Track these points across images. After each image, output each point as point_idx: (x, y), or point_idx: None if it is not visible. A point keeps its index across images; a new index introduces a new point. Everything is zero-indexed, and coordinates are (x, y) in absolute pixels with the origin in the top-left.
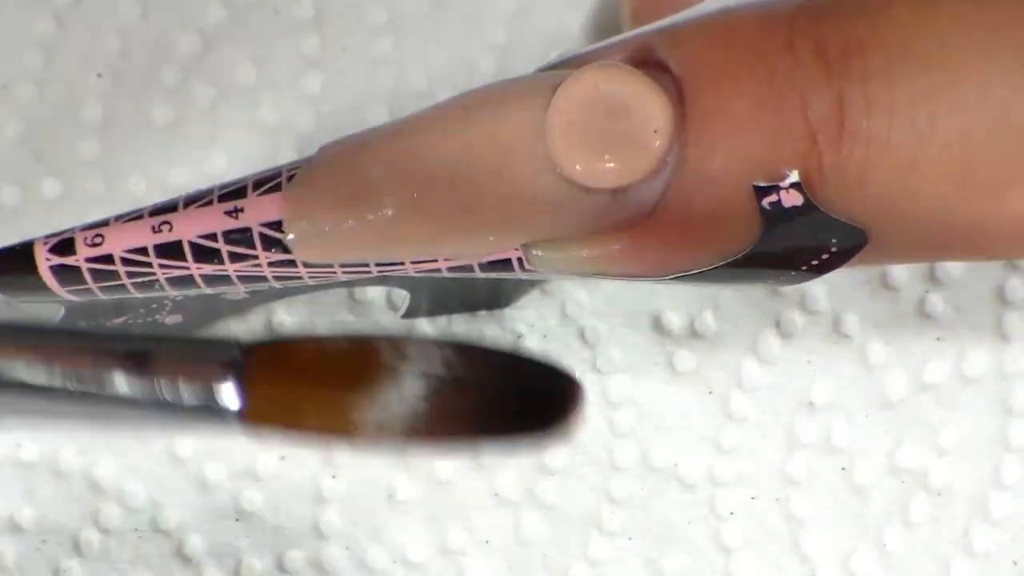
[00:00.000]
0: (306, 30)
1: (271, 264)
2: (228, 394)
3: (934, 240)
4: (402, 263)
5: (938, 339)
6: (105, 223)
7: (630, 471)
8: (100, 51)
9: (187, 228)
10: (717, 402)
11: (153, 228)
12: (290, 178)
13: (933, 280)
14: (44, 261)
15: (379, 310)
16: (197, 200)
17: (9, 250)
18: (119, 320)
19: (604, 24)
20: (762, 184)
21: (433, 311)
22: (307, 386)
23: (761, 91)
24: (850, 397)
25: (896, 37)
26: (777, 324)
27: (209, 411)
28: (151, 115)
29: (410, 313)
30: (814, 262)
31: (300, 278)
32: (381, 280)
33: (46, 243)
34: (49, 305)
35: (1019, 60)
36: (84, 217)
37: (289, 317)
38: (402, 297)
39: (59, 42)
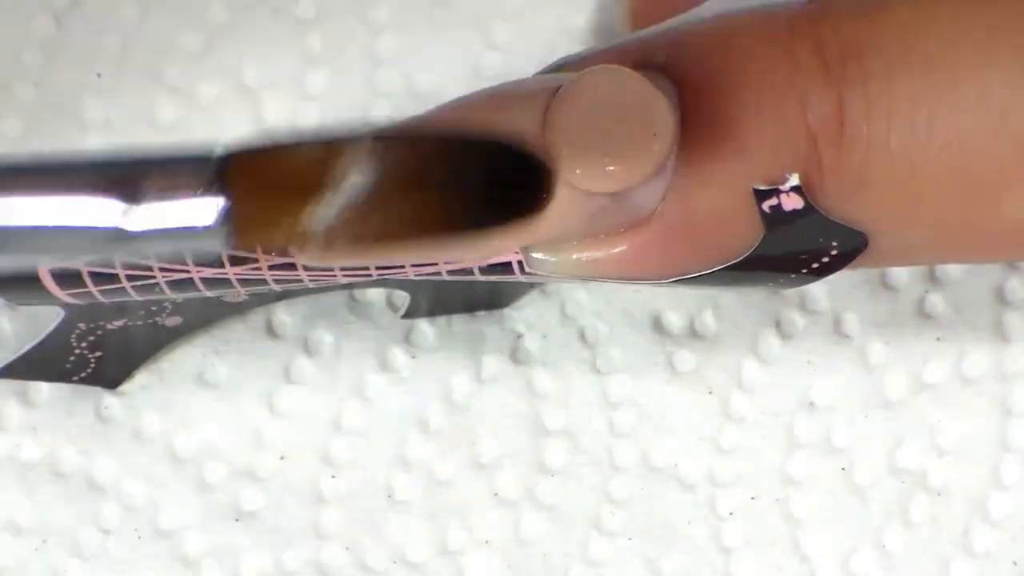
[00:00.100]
0: (307, 29)
1: (271, 267)
2: (212, 209)
3: (934, 242)
4: (402, 266)
5: (938, 339)
6: None
7: (630, 471)
8: (100, 51)
9: None
10: (717, 402)
11: None
12: None
13: (933, 280)
14: None
15: (379, 311)
16: None
17: None
18: (119, 322)
19: (605, 26)
20: (762, 187)
21: (433, 311)
22: (288, 193)
23: (761, 94)
24: (850, 397)
25: (895, 39)
26: (777, 324)
27: (194, 230)
28: (151, 115)
29: (410, 313)
30: (814, 265)
31: (300, 281)
32: (381, 282)
33: None
34: (48, 307)
35: (1019, 61)
36: None
37: (289, 318)
38: (402, 298)
39: (59, 42)
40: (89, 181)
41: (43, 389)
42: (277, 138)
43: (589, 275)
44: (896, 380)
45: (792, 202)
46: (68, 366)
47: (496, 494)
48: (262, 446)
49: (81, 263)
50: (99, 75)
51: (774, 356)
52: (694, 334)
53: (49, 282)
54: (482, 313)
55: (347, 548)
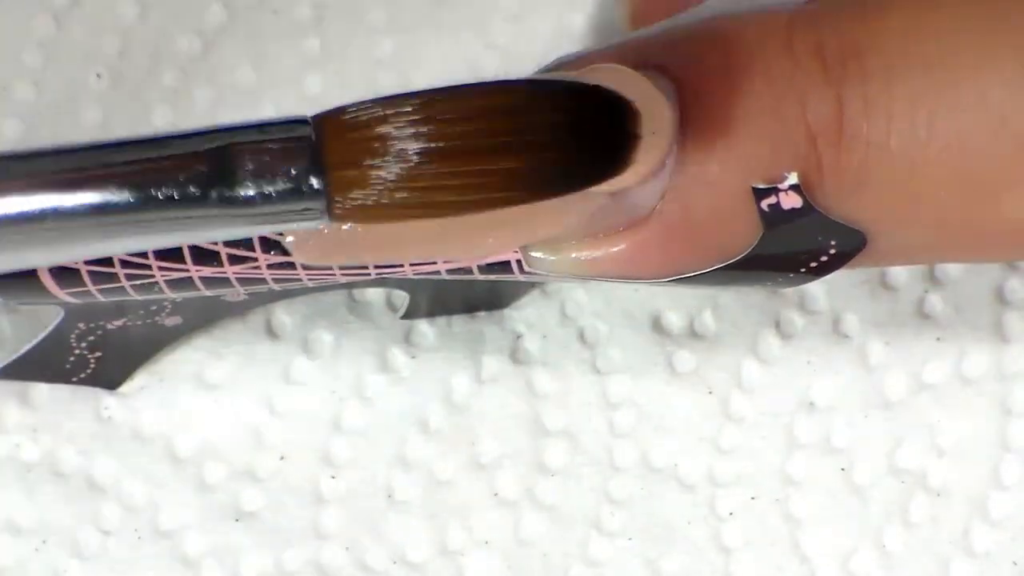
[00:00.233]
0: (306, 31)
1: (270, 266)
2: (310, 172)
3: (933, 242)
4: (401, 265)
5: (938, 339)
6: None
7: (630, 471)
8: (99, 51)
9: None
10: (717, 402)
11: None
12: None
13: (932, 280)
14: None
15: (379, 310)
16: None
17: None
18: (119, 322)
19: (604, 26)
20: (761, 186)
21: (432, 311)
22: (378, 154)
23: (760, 94)
24: (850, 397)
25: (894, 39)
26: (777, 324)
27: (298, 193)
28: (150, 116)
29: (409, 314)
30: (813, 264)
31: (299, 280)
32: (380, 282)
33: None
34: (48, 307)
35: (1018, 62)
36: None
37: (289, 318)
38: (401, 298)
39: (58, 42)
40: (184, 156)
41: (43, 389)
42: (360, 100)
43: (588, 274)
44: (896, 380)
45: (791, 201)
46: (68, 366)
47: (496, 494)
48: (262, 446)
49: (188, 240)
50: (98, 75)
51: (774, 356)
52: (694, 334)
53: (48, 281)
54: (482, 313)
55: (347, 548)
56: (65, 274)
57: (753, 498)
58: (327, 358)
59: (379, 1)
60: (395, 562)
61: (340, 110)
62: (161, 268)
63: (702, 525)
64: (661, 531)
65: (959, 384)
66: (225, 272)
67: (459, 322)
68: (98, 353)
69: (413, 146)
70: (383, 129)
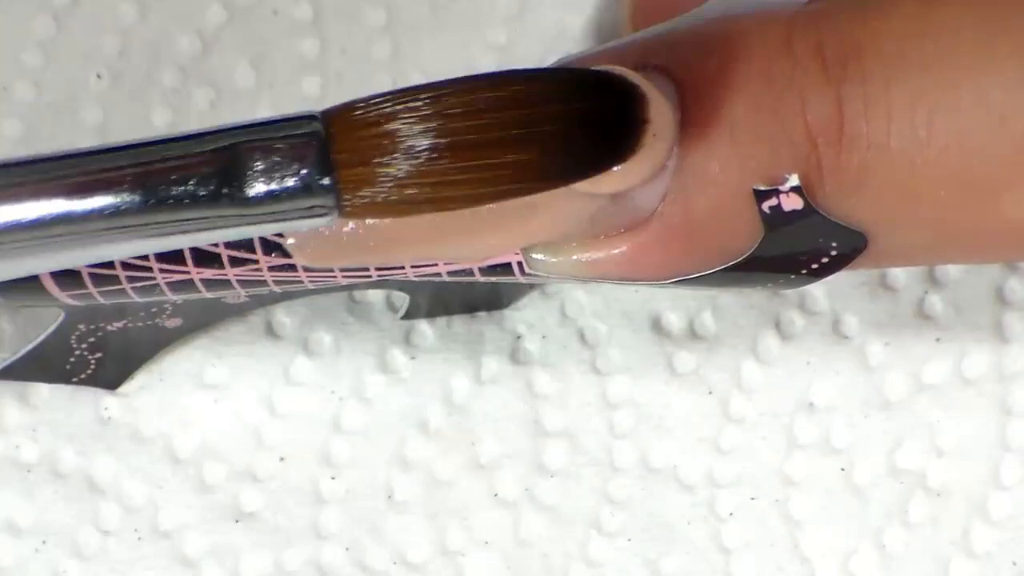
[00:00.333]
0: (305, 32)
1: (271, 268)
2: (320, 170)
3: (933, 242)
4: (402, 267)
5: (937, 340)
6: None
7: (630, 472)
8: (99, 51)
9: None
10: (716, 403)
11: None
12: None
13: (932, 281)
14: None
15: (379, 311)
16: None
17: None
18: (119, 323)
19: (604, 26)
20: (762, 188)
21: (432, 312)
22: (386, 148)
23: (760, 95)
24: (849, 398)
25: (894, 39)
26: (776, 325)
27: (308, 190)
28: (150, 116)
29: (410, 315)
30: (814, 266)
31: (300, 282)
32: (380, 284)
33: None
34: (49, 308)
35: (1018, 62)
36: None
37: (289, 319)
38: (401, 298)
39: (58, 42)
40: (193, 156)
41: (43, 390)
42: (368, 96)
43: (589, 276)
44: (896, 380)
45: (792, 202)
46: (68, 367)
47: (496, 494)
48: (262, 446)
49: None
50: (98, 75)
51: (774, 357)
52: (694, 335)
53: (49, 283)
54: (482, 314)
55: (347, 548)
56: (66, 276)
57: (753, 498)
58: (327, 359)
59: (379, 1)
60: (395, 562)
61: (349, 106)
62: (162, 270)
63: (702, 525)
64: (661, 531)
65: (959, 384)
66: (226, 274)
67: (459, 323)
68: (98, 354)
69: (423, 142)
70: (392, 126)
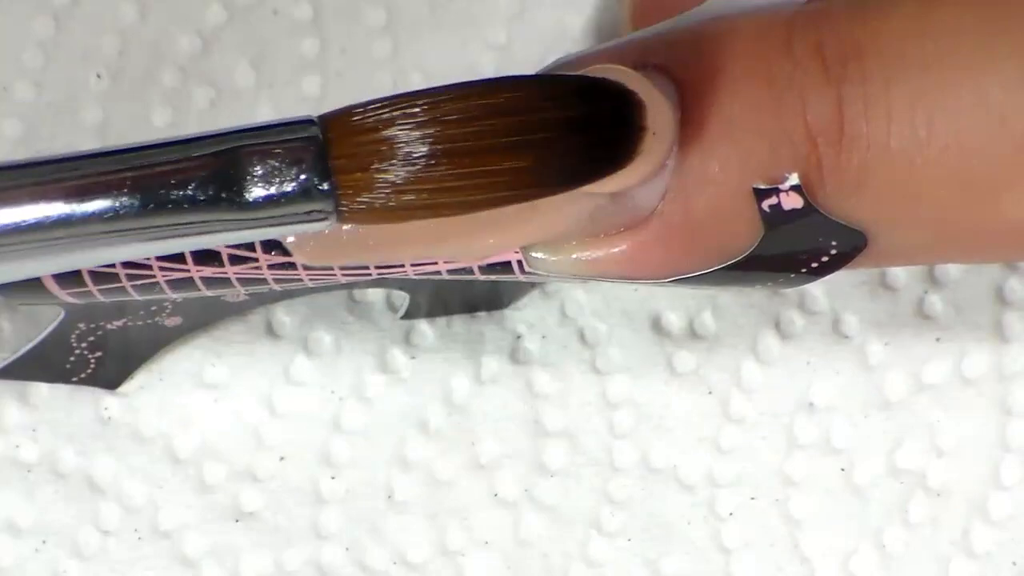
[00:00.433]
0: (305, 31)
1: (271, 266)
2: (319, 175)
3: (933, 242)
4: (402, 265)
5: (937, 339)
6: None
7: (630, 472)
8: (99, 51)
9: None
10: (716, 403)
11: None
12: None
13: (932, 280)
14: None
15: (379, 311)
16: None
17: None
18: (119, 322)
19: (604, 26)
20: (762, 187)
21: (432, 312)
22: (384, 153)
23: (760, 94)
24: (849, 398)
25: (894, 39)
26: (776, 325)
27: (306, 195)
28: (150, 116)
29: (409, 314)
30: (814, 264)
31: (300, 280)
32: (380, 282)
33: None
34: (48, 307)
35: (1017, 62)
36: None
37: (288, 318)
38: (401, 298)
39: (58, 42)
40: (192, 160)
41: (43, 390)
42: (366, 101)
43: (589, 275)
44: (896, 380)
45: (792, 201)
46: (68, 366)
47: (496, 494)
48: (262, 446)
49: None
50: (98, 75)
51: (773, 356)
52: (693, 334)
53: (49, 281)
54: (482, 313)
55: (347, 548)
56: (66, 274)
57: (753, 498)
58: (327, 358)
59: (378, 1)
60: (395, 562)
61: (347, 111)
62: (162, 268)
63: (702, 525)
64: (661, 531)
65: (959, 384)
66: (226, 272)
67: (459, 322)
68: (98, 353)
69: (420, 148)
70: (390, 132)
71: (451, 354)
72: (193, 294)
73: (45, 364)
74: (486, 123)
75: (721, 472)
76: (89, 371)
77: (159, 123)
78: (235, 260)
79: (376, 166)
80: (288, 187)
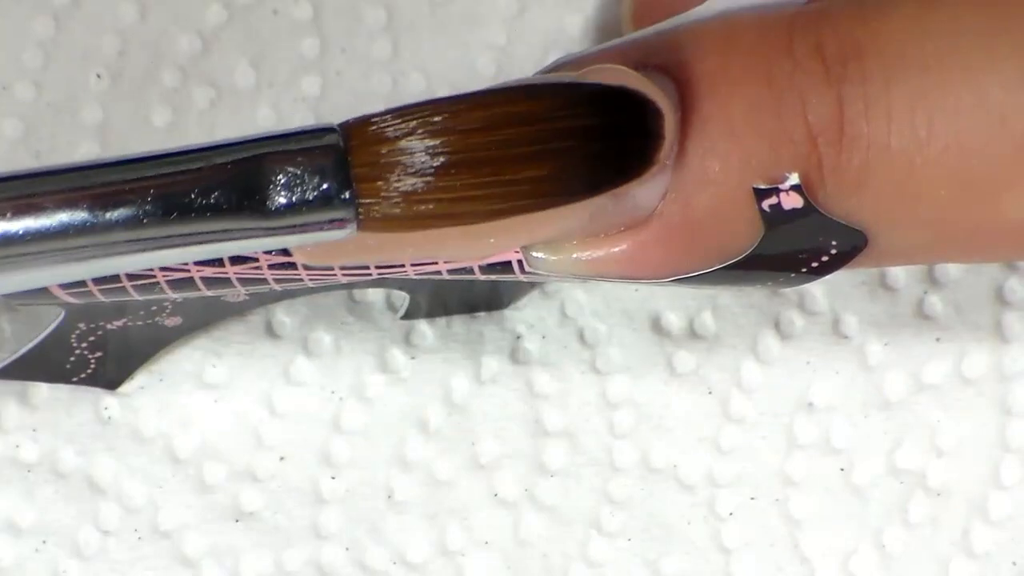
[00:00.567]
0: (305, 31)
1: (271, 266)
2: (340, 184)
3: (933, 242)
4: (402, 265)
5: (937, 340)
6: None
7: (629, 472)
8: (99, 51)
9: None
10: (716, 403)
11: None
12: None
13: (932, 281)
14: None
15: (379, 311)
16: None
17: None
18: (119, 322)
19: (604, 26)
20: (762, 186)
21: (432, 312)
22: (404, 162)
23: (760, 94)
24: (849, 398)
25: (895, 39)
26: (776, 325)
27: (328, 204)
28: (150, 116)
29: (409, 314)
30: (814, 264)
31: (300, 280)
32: (380, 282)
33: None
34: (48, 307)
35: (1017, 63)
36: None
37: (288, 319)
38: (401, 298)
39: (58, 42)
40: (215, 168)
41: (43, 390)
42: (386, 110)
43: (589, 274)
44: (895, 380)
45: (792, 201)
46: (68, 367)
47: (496, 494)
48: (262, 446)
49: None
50: (98, 75)
51: (773, 357)
52: (693, 334)
53: None
54: (482, 313)
55: (347, 548)
56: None
57: (753, 498)
58: (327, 358)
59: (378, 1)
60: (395, 562)
61: (366, 120)
62: (162, 268)
63: (702, 525)
64: (661, 531)
65: (959, 384)
66: (226, 272)
67: (459, 322)
68: (98, 353)
69: (440, 158)
70: (410, 141)
71: (451, 354)
72: (193, 294)
73: (45, 364)
74: (506, 132)
75: (721, 472)
76: (89, 371)
77: (159, 123)
78: (235, 260)
79: (396, 175)
80: (310, 195)
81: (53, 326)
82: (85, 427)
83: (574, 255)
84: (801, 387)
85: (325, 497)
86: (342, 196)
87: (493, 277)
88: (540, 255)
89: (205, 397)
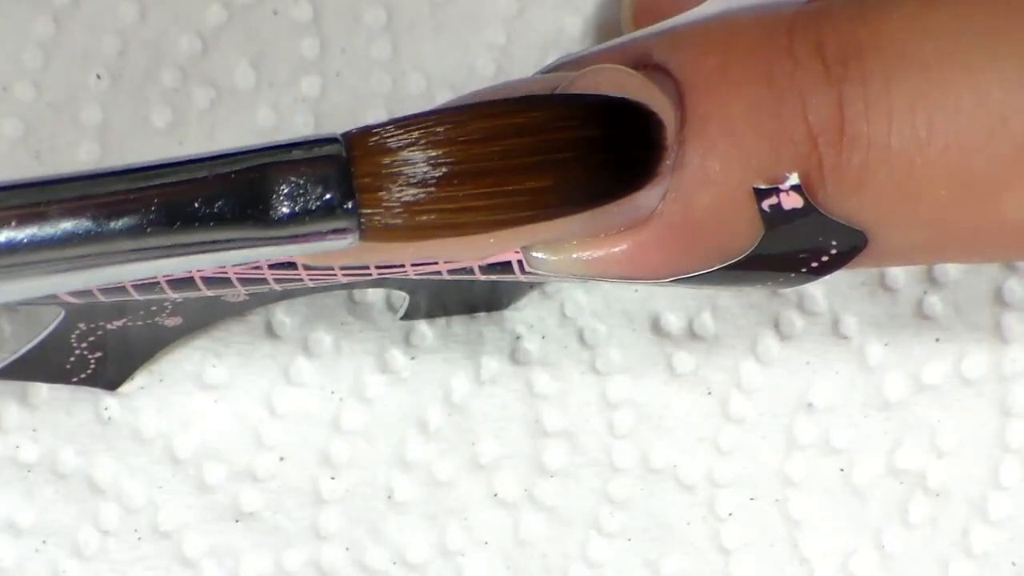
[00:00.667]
0: (305, 31)
1: (271, 266)
2: (343, 194)
3: (932, 242)
4: (402, 266)
5: (937, 340)
6: None
7: (629, 472)
8: (99, 52)
9: None
10: (716, 403)
11: None
12: None
13: (931, 281)
14: None
15: (378, 311)
16: None
17: None
18: (119, 322)
19: (603, 26)
20: (762, 186)
21: (432, 312)
22: (406, 172)
23: (760, 94)
24: (849, 398)
25: (895, 39)
26: (776, 325)
27: (330, 214)
28: (150, 116)
29: (409, 315)
30: (814, 264)
31: (300, 280)
32: (380, 282)
33: None
34: (48, 307)
35: (1017, 63)
36: None
37: (288, 319)
38: (401, 298)
39: (58, 42)
40: (219, 177)
41: (43, 390)
42: (389, 120)
43: (589, 274)
44: (895, 381)
45: (792, 201)
46: (68, 367)
47: (495, 495)
48: (262, 447)
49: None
50: (98, 75)
51: (773, 357)
52: (693, 335)
53: None
54: (482, 314)
55: (347, 548)
56: None
57: (752, 498)
58: (327, 358)
59: (378, 1)
60: (395, 562)
61: (368, 131)
62: None
63: (702, 525)
64: (661, 531)
65: (959, 384)
66: (226, 272)
67: (459, 323)
68: (98, 353)
69: (442, 168)
70: (413, 151)
71: (451, 354)
72: (193, 294)
73: (45, 364)
74: (508, 143)
75: (721, 472)
76: (89, 371)
77: (159, 123)
78: None
79: (399, 185)
80: (313, 205)
81: (53, 326)
82: (85, 427)
83: (574, 255)
84: (801, 387)
85: (325, 497)
86: (345, 206)
87: (493, 277)
88: (540, 255)
89: (205, 397)
